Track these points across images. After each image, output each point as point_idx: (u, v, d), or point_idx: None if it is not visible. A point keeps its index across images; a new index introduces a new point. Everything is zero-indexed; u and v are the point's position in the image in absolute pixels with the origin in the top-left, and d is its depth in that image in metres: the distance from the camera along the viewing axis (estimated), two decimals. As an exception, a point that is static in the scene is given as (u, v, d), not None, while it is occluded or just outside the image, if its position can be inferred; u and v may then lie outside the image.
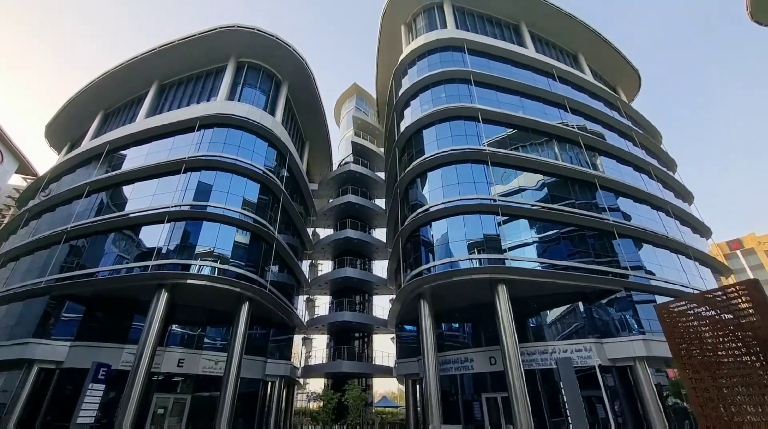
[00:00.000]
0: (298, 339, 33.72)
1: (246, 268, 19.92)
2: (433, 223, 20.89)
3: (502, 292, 17.57)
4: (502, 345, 16.74)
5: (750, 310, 2.79)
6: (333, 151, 38.73)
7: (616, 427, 16.38)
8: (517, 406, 15.37)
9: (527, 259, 19.15)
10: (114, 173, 22.61)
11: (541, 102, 25.43)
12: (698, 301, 3.39)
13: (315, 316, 34.02)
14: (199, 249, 19.08)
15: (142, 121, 25.16)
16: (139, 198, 21.27)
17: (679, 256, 23.53)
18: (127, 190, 22.27)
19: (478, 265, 18.50)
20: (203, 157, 21.31)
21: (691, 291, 22.18)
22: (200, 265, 18.56)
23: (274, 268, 23.31)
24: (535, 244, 20.00)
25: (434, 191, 21.69)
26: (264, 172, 22.69)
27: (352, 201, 34.03)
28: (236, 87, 26.00)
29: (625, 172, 24.85)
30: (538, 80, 26.61)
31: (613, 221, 20.92)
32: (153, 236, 19.44)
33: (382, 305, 36.33)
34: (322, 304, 36.55)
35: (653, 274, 20.76)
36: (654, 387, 17.19)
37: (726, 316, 3.07)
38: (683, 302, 3.54)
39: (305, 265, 33.28)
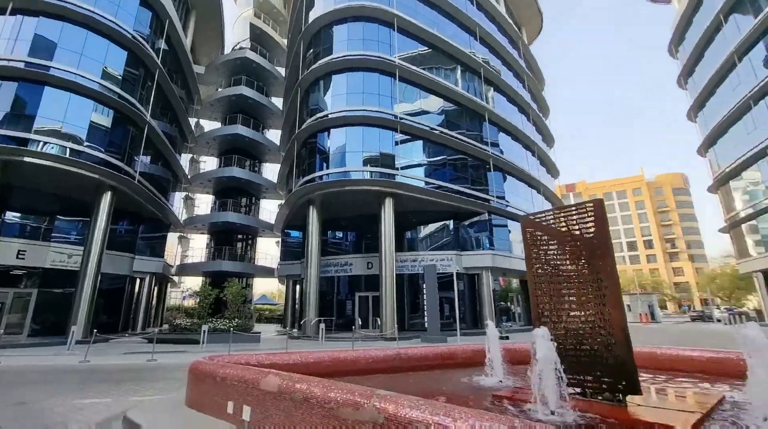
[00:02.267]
0: (173, 237, 31.58)
1: (108, 153, 16.99)
2: (332, 131, 20.44)
3: (389, 205, 18.88)
4: (381, 252, 18.52)
5: (591, 223, 3.56)
6: (226, 31, 32.96)
7: (459, 320, 20.59)
8: (386, 303, 17.77)
9: (416, 177, 20.62)
10: None
11: (455, 24, 25.24)
12: (554, 215, 4.06)
13: (195, 215, 31.86)
14: (41, 122, 15.32)
15: None
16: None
17: (533, 190, 28.12)
18: None
19: (370, 178, 19.22)
20: (39, -2, 15.98)
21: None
22: (44, 142, 15.10)
23: (146, 158, 20.42)
24: (425, 167, 21.53)
25: (337, 97, 20.83)
26: (134, 37, 18.36)
27: (246, 94, 30.52)
28: None
29: (511, 110, 27.37)
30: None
31: (492, 153, 23.45)
32: (-35, 95, 14.75)
33: (269, 209, 35.64)
34: (204, 203, 34.20)
35: (509, 203, 24.60)
36: (491, 291, 21.58)
37: (572, 228, 3.82)
38: (542, 214, 4.21)
39: (185, 160, 29.89)
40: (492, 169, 23.64)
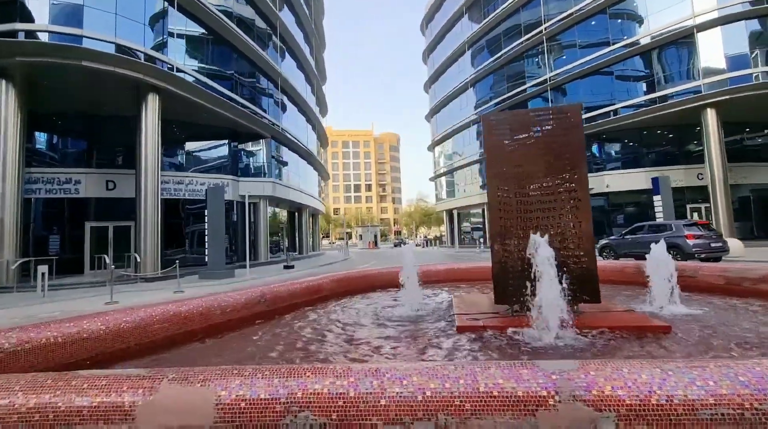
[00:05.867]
0: None
1: None
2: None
3: (153, 105, 13.99)
4: (140, 168, 13.86)
5: (569, 129, 3.38)
6: None
7: (235, 252, 18.87)
8: (146, 235, 13.73)
9: (195, 76, 16.20)
10: None
11: None
12: (527, 116, 3.69)
13: None
14: None
15: None
16: None
17: (309, 125, 28.02)
18: None
19: (126, 56, 13.38)
20: None
21: (308, 150, 27.34)
22: None
23: None
24: (206, 73, 17.33)
25: None
26: None
27: None
28: None
29: (300, 36, 25.42)
30: None
31: (281, 72, 21.38)
32: None
33: None
34: None
35: (291, 132, 23.66)
36: (268, 219, 20.74)
37: (546, 131, 3.56)
38: (507, 115, 3.76)
39: None
40: (280, 94, 21.70)
